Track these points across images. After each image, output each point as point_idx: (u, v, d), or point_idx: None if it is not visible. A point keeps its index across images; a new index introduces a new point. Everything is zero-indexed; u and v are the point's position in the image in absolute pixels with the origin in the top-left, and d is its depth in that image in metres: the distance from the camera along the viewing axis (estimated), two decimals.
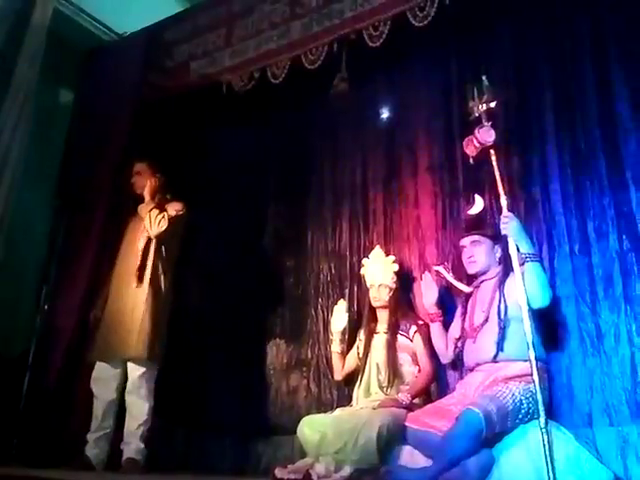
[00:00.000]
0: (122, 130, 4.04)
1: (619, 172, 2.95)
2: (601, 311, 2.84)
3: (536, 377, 2.39)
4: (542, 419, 2.33)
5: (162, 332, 3.38)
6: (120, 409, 3.34)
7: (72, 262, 3.82)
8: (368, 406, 2.97)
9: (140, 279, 3.34)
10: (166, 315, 3.43)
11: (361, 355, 3.27)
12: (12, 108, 3.78)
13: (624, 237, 2.86)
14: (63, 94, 4.72)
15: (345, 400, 3.40)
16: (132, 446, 3.18)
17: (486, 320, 2.82)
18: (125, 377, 3.31)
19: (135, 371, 3.25)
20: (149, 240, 3.43)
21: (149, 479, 2.80)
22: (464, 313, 2.98)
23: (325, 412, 3.16)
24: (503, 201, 2.73)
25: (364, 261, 3.47)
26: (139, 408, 3.23)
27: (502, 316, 2.75)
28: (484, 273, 2.98)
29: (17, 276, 4.06)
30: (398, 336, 3.19)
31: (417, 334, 3.17)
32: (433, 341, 3.10)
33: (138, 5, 4.64)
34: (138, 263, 3.37)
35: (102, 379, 3.33)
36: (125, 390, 3.29)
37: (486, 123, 2.77)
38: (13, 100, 3.80)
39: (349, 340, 3.46)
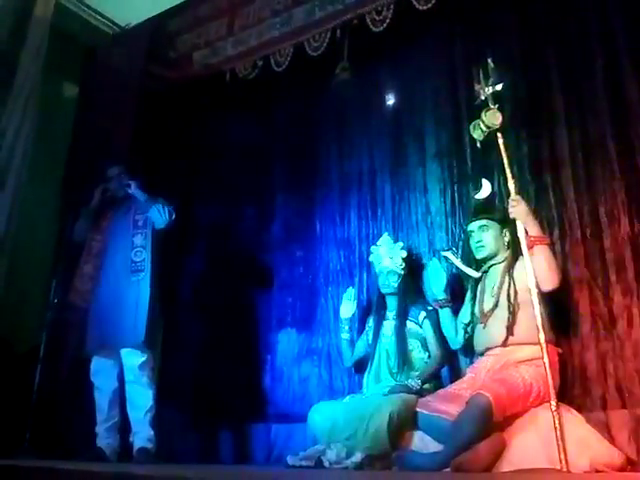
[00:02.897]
0: (127, 123, 4.04)
1: (629, 155, 2.92)
2: (613, 295, 2.82)
3: (546, 360, 2.39)
4: (553, 402, 2.32)
5: (160, 320, 3.41)
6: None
7: (80, 256, 3.82)
8: (378, 393, 2.97)
9: (140, 270, 3.35)
10: (160, 303, 3.45)
11: (371, 342, 3.27)
12: (17, 103, 3.79)
13: (635, 221, 2.84)
14: (67, 88, 4.71)
15: (356, 387, 3.40)
16: (142, 435, 3.19)
17: (496, 305, 2.80)
18: (121, 363, 3.32)
19: (134, 360, 3.26)
20: (145, 232, 3.45)
21: (160, 469, 2.80)
22: (473, 298, 2.96)
23: (336, 400, 3.15)
24: (511, 184, 2.71)
25: (373, 248, 3.45)
26: (143, 396, 3.24)
27: (512, 300, 2.73)
28: (493, 257, 2.95)
29: (27, 271, 4.07)
30: (407, 322, 3.18)
31: (426, 320, 3.16)
32: (442, 327, 3.09)
33: None
34: (139, 255, 3.38)
35: (103, 371, 3.35)
36: (124, 379, 3.30)
37: (493, 106, 2.74)
38: (18, 95, 3.80)
39: (359, 327, 3.46)
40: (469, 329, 2.94)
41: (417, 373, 3.05)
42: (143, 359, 3.26)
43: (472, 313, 2.93)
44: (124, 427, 3.32)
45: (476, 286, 2.98)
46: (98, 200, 3.59)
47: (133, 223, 3.51)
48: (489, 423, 2.40)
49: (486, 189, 2.98)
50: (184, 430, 3.82)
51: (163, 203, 3.47)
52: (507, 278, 2.82)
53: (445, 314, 3.08)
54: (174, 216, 3.46)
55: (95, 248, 3.57)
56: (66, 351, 3.70)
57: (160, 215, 3.41)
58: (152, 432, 3.21)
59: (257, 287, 4.11)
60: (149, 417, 3.23)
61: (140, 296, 3.33)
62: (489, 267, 2.96)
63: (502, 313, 2.75)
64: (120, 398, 3.34)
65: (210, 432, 3.82)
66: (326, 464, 2.66)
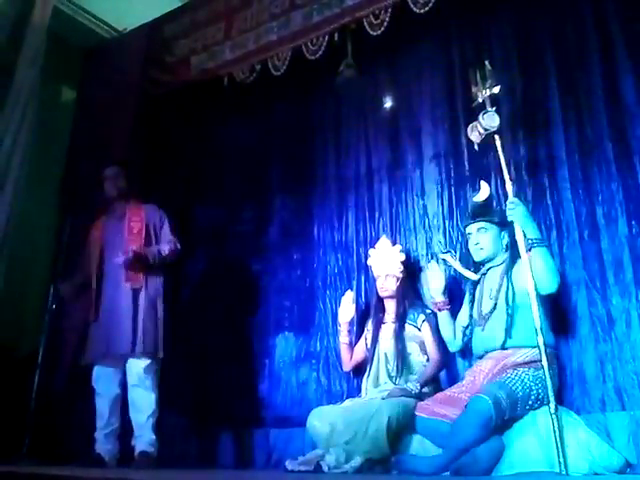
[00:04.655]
0: (125, 126, 4.05)
1: (627, 157, 2.93)
2: (612, 297, 2.82)
3: (545, 363, 2.38)
4: (552, 405, 2.32)
5: (162, 327, 3.39)
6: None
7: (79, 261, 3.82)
8: (377, 396, 2.95)
9: (140, 278, 3.35)
10: (163, 311, 3.44)
11: (369, 345, 3.26)
12: (15, 108, 3.79)
13: (633, 222, 2.84)
14: (65, 93, 4.73)
15: (355, 391, 3.39)
16: (144, 439, 3.18)
17: (494, 307, 2.80)
18: (124, 370, 3.31)
19: (138, 365, 3.25)
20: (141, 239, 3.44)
21: (161, 473, 2.80)
22: (472, 301, 2.95)
23: (335, 404, 3.15)
24: (509, 187, 2.71)
25: (371, 251, 3.44)
26: (146, 400, 3.24)
27: (510, 303, 2.73)
28: (491, 260, 2.95)
29: (25, 276, 4.08)
30: (406, 326, 3.17)
31: (425, 323, 3.15)
32: (441, 330, 3.08)
33: (137, 1, 4.63)
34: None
35: (104, 377, 3.34)
36: (127, 384, 3.29)
37: (490, 108, 2.74)
38: (16, 100, 3.80)
39: (357, 331, 3.46)
40: (467, 332, 2.94)
41: (416, 377, 3.04)
42: (147, 362, 3.26)
43: (470, 316, 2.92)
44: (125, 432, 3.30)
45: (474, 289, 2.98)
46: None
47: (128, 229, 3.48)
48: (488, 426, 2.40)
49: (484, 191, 2.98)
50: (184, 434, 3.82)
51: (168, 240, 3.46)
52: (505, 281, 2.81)
53: (443, 317, 3.07)
54: (179, 246, 3.47)
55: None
56: (65, 356, 3.69)
57: (168, 259, 3.44)
58: (154, 436, 3.21)
59: (255, 291, 4.10)
60: (152, 421, 3.22)
61: (139, 303, 3.32)
62: (487, 269, 2.95)
63: (500, 316, 2.74)
64: (121, 405, 3.33)
65: (209, 436, 3.81)
66: (325, 469, 2.65)
